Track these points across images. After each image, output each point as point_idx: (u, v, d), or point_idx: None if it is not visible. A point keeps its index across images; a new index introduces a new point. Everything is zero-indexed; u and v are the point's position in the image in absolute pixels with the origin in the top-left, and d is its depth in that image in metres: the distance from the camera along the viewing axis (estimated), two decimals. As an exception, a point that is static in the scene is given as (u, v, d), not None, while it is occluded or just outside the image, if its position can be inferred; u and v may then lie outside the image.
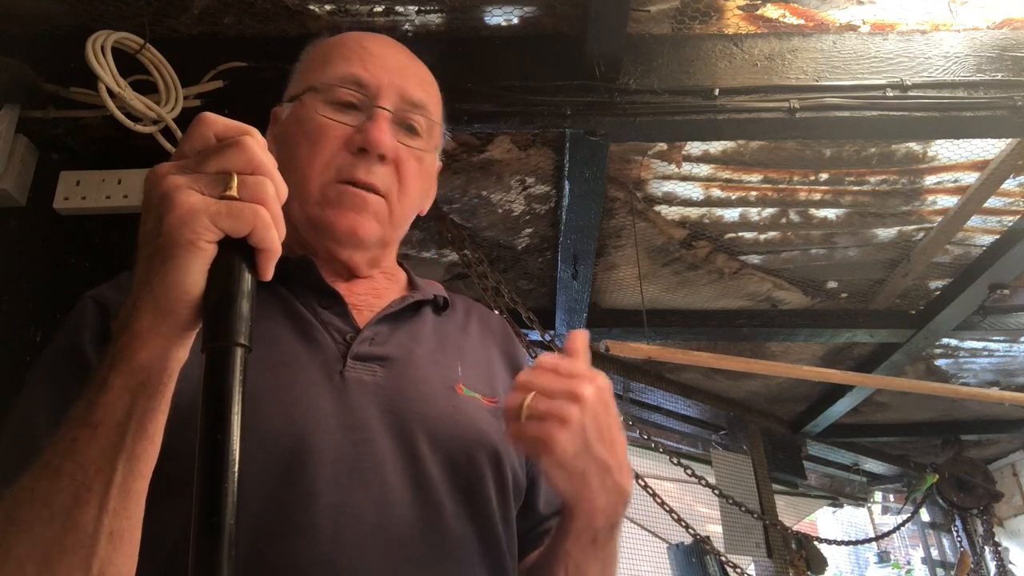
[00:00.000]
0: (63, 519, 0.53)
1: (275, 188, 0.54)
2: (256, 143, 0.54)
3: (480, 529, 0.78)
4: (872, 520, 6.37)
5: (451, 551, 0.74)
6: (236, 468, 0.47)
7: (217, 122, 0.55)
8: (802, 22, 1.80)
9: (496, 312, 1.07)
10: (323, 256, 0.87)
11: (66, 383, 0.70)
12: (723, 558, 3.28)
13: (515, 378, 0.91)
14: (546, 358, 0.73)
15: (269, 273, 0.54)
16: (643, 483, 2.82)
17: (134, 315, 0.54)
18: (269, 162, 0.54)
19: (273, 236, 0.53)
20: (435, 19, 1.70)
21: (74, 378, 0.69)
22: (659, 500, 2.90)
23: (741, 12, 1.76)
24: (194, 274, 0.51)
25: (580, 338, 0.76)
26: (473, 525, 0.78)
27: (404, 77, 0.89)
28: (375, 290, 0.90)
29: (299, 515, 0.68)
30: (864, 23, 1.80)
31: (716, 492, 3.14)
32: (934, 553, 5.24)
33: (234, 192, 0.52)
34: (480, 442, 0.81)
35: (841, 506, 5.88)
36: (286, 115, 0.91)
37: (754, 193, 2.33)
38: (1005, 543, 4.88)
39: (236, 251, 0.52)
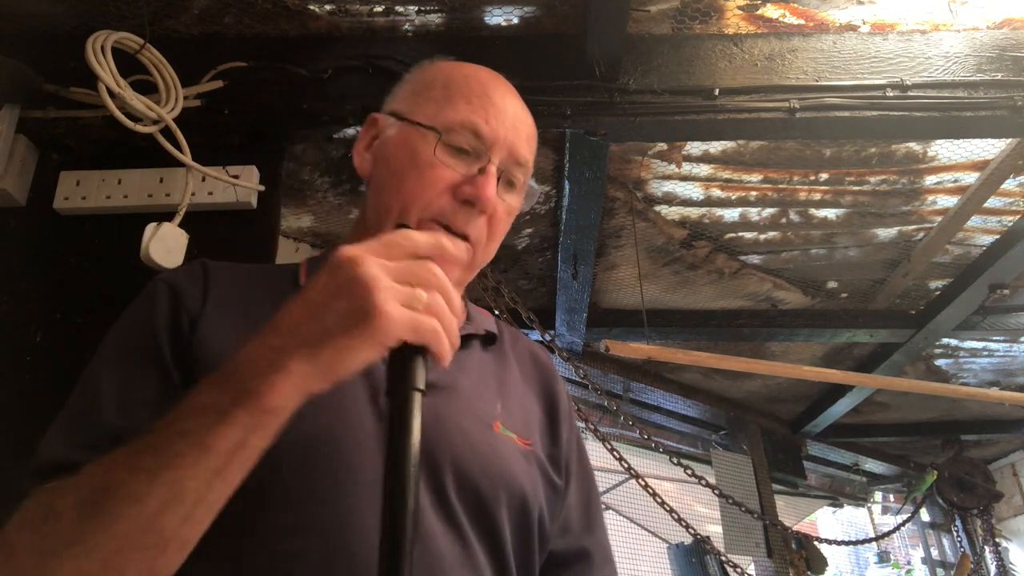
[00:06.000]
0: (148, 521, 0.57)
1: (450, 306, 0.63)
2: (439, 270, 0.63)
3: (500, 568, 0.80)
4: (872, 520, 6.38)
5: None
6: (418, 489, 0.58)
7: (419, 240, 0.64)
8: (802, 22, 1.80)
9: (541, 346, 1.08)
10: None
11: (135, 368, 0.76)
12: (723, 558, 3.28)
13: (554, 417, 0.96)
14: None
15: (443, 360, 0.63)
16: (643, 483, 2.81)
17: (279, 366, 0.59)
18: (448, 284, 0.63)
19: (445, 346, 0.62)
20: (435, 19, 1.70)
21: (143, 364, 0.76)
22: (659, 500, 2.89)
23: (741, 12, 1.76)
24: (368, 362, 0.60)
25: None
26: (495, 563, 0.79)
27: (517, 133, 0.91)
28: None
29: (336, 535, 0.69)
30: (864, 23, 1.80)
31: (716, 492, 3.13)
32: (934, 553, 5.25)
33: (421, 308, 0.61)
34: (508, 484, 0.82)
35: (841, 506, 5.88)
36: (393, 133, 0.91)
37: (754, 193, 2.33)
38: (1005, 543, 4.88)
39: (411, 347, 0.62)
